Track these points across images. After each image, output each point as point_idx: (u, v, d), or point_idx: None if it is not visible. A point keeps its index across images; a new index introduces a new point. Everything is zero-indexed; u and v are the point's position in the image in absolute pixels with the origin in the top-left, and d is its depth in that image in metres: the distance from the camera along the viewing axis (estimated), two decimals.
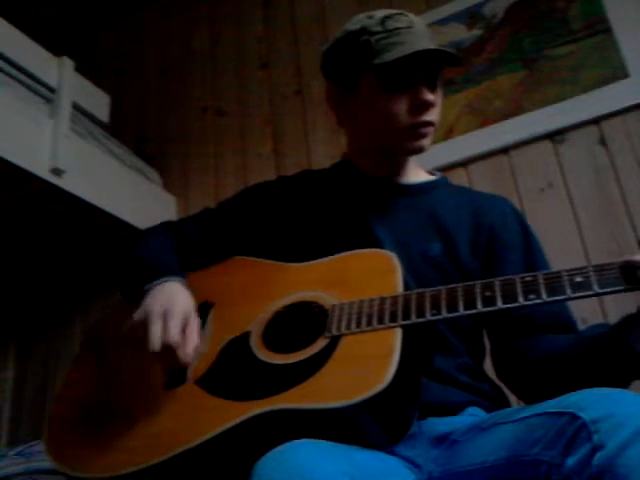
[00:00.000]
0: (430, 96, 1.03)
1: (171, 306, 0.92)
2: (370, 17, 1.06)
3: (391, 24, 1.03)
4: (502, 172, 1.76)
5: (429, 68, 1.04)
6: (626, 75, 1.66)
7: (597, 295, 0.76)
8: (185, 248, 1.13)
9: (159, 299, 0.94)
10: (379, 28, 1.03)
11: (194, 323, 0.93)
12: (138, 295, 0.98)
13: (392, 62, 1.00)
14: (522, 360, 1.00)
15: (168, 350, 0.88)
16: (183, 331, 0.91)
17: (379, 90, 1.04)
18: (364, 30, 1.05)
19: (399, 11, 1.07)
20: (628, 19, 1.71)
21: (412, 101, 1.03)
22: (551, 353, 0.95)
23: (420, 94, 1.03)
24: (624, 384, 0.88)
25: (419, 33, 1.04)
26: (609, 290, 0.75)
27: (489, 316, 1.05)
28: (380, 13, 1.06)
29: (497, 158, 1.78)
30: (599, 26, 1.74)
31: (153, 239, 1.14)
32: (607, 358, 0.86)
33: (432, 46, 1.01)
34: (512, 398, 1.07)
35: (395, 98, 1.03)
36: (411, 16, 1.07)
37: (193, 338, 0.92)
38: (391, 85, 1.03)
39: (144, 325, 0.91)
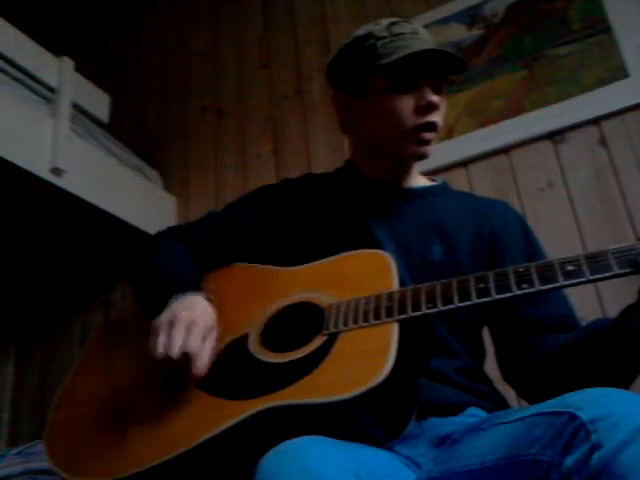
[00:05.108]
0: (435, 97, 1.04)
1: (196, 317, 0.92)
2: (377, 24, 1.09)
3: (397, 29, 1.06)
4: (502, 172, 1.76)
5: (434, 72, 1.05)
6: (626, 75, 1.66)
7: (589, 282, 0.77)
8: (197, 254, 1.13)
9: (186, 309, 0.94)
10: (385, 33, 1.06)
11: (212, 339, 0.94)
12: (161, 305, 0.97)
13: (397, 61, 1.01)
14: (528, 360, 1.00)
15: (185, 358, 0.89)
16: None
17: (384, 90, 1.06)
18: (370, 35, 1.07)
19: (405, 19, 1.10)
20: (628, 19, 1.71)
21: (417, 101, 1.04)
22: (555, 350, 0.96)
23: (425, 94, 1.04)
24: (631, 375, 0.88)
25: (424, 39, 1.07)
26: (600, 276, 0.76)
27: (494, 318, 1.06)
28: (387, 20, 1.09)
29: (497, 158, 1.78)
30: (599, 26, 1.74)
31: (170, 248, 1.13)
32: (612, 349, 0.86)
33: (438, 48, 1.03)
34: (512, 400, 1.07)
35: (400, 98, 1.05)
36: (416, 24, 1.10)
37: (209, 351, 0.92)
38: (396, 85, 1.05)
39: (167, 328, 0.91)
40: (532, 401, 1.00)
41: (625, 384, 0.87)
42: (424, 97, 1.04)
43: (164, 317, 0.93)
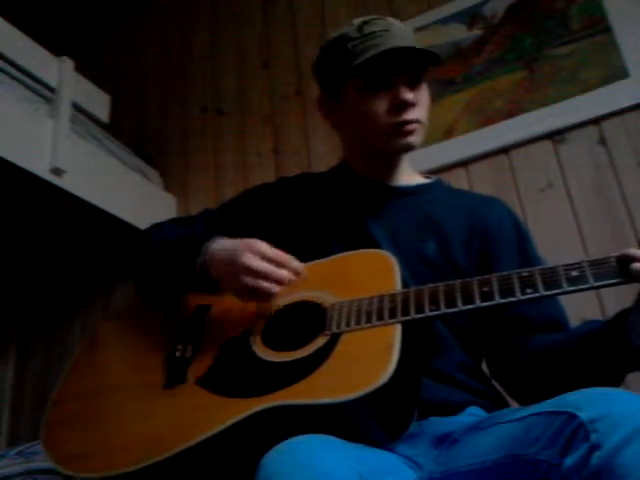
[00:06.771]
0: (409, 95, 1.03)
1: (244, 243, 0.94)
2: (350, 25, 1.09)
3: (368, 28, 1.05)
4: (502, 172, 1.76)
5: (407, 68, 1.04)
6: (626, 75, 1.66)
7: (593, 288, 0.77)
8: None
9: (226, 248, 0.95)
10: (356, 34, 1.06)
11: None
12: (191, 272, 0.97)
13: (366, 62, 1.01)
14: (515, 358, 1.00)
15: (278, 276, 0.91)
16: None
17: (358, 92, 1.06)
18: (342, 37, 1.07)
19: (378, 16, 1.09)
20: (628, 19, 1.71)
21: (391, 100, 1.04)
22: (544, 350, 0.96)
23: (399, 93, 1.03)
24: (619, 378, 0.89)
25: (396, 35, 1.05)
26: (604, 283, 0.76)
27: (485, 316, 1.06)
28: (359, 19, 1.09)
29: (497, 158, 1.78)
30: (599, 26, 1.74)
31: (165, 226, 1.16)
32: (603, 352, 0.87)
33: (405, 44, 1.02)
34: (511, 400, 1.07)
35: (374, 98, 1.04)
36: (390, 20, 1.08)
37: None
38: (369, 85, 1.05)
39: (243, 267, 0.91)
40: (519, 399, 1.01)
41: (613, 386, 0.86)
42: (398, 95, 1.03)
43: (221, 266, 0.94)
